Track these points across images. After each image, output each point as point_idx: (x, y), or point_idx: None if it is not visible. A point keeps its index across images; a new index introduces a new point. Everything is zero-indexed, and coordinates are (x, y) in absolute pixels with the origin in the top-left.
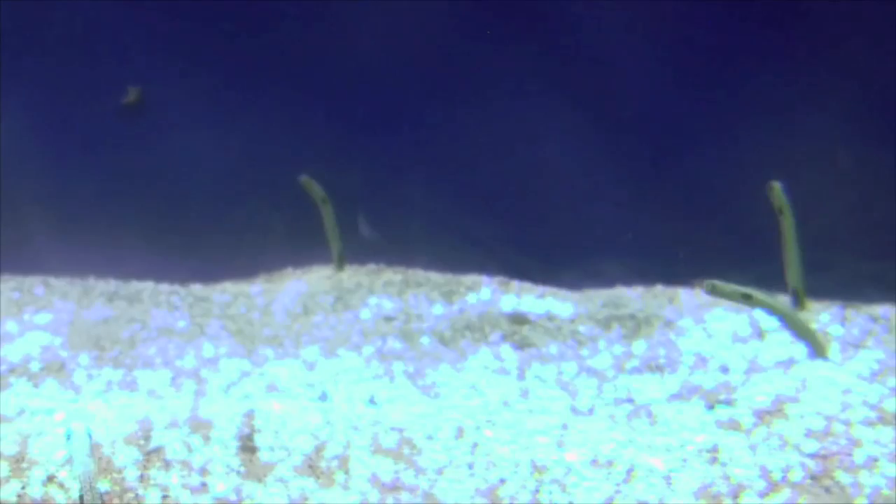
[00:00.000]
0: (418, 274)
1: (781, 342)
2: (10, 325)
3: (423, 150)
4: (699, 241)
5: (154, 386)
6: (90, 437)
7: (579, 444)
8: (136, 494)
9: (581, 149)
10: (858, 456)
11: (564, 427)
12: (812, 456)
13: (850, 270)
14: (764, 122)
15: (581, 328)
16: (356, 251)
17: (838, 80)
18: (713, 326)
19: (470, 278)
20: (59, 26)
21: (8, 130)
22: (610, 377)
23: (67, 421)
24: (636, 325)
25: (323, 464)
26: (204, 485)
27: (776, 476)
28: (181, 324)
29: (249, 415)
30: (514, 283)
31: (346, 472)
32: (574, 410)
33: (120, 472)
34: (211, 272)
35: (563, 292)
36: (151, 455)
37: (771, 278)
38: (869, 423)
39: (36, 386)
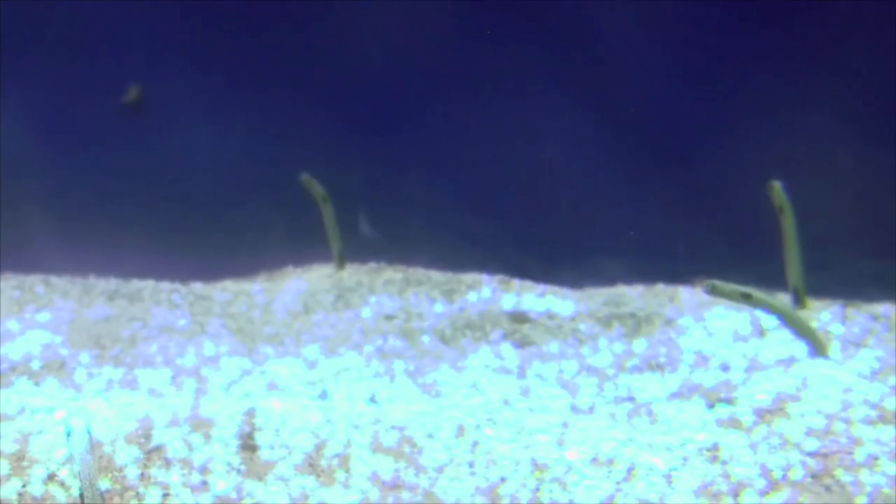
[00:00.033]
0: (419, 272)
1: (782, 340)
2: (11, 324)
3: (423, 148)
4: (700, 240)
5: (155, 384)
6: (90, 433)
7: (580, 442)
8: (137, 493)
9: (581, 148)
10: (859, 454)
11: (565, 425)
12: (813, 454)
13: (850, 269)
14: (764, 121)
15: (582, 326)
16: (357, 250)
17: (838, 80)
18: (714, 325)
19: (470, 277)
20: (59, 25)
21: (8, 130)
22: (610, 375)
23: (68, 419)
24: (637, 323)
25: (323, 462)
26: (204, 483)
27: (777, 474)
28: (182, 322)
29: (250, 413)
30: (515, 282)
31: (347, 471)
32: (574, 409)
33: (120, 470)
34: (212, 270)
35: (563, 291)
36: (152, 453)
37: (772, 277)
38: (869, 421)
39: (37, 384)
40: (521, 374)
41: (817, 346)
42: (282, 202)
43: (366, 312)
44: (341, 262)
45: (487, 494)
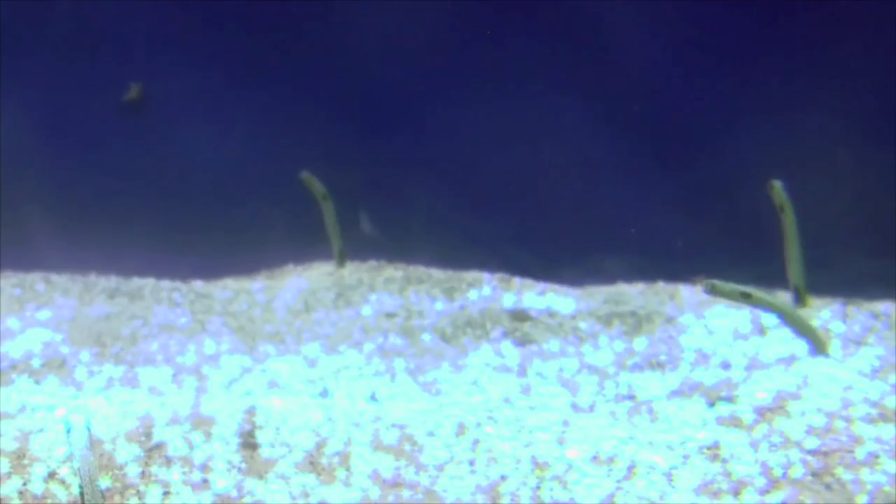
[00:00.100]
0: (419, 270)
1: (782, 339)
2: (12, 322)
3: (424, 146)
4: (701, 239)
5: (155, 382)
6: (89, 429)
7: (580, 440)
8: (138, 491)
9: (582, 146)
10: (860, 453)
11: (565, 424)
12: (813, 453)
13: (851, 267)
14: (765, 120)
15: (582, 325)
16: (357, 248)
17: (838, 80)
18: (714, 323)
19: (471, 275)
20: (59, 23)
21: (8, 129)
22: (611, 374)
23: (68, 417)
24: (637, 321)
25: (324, 460)
26: (205, 481)
27: (777, 473)
28: (182, 320)
29: (251, 411)
30: (516, 280)
31: (348, 469)
32: (575, 407)
33: (121, 468)
34: (212, 269)
35: (564, 289)
36: (153, 451)
37: (773, 276)
38: (870, 419)
39: (37, 382)
40: (522, 372)
41: (818, 345)
42: (282, 200)
43: (366, 310)
44: (342, 260)
45: (488, 493)
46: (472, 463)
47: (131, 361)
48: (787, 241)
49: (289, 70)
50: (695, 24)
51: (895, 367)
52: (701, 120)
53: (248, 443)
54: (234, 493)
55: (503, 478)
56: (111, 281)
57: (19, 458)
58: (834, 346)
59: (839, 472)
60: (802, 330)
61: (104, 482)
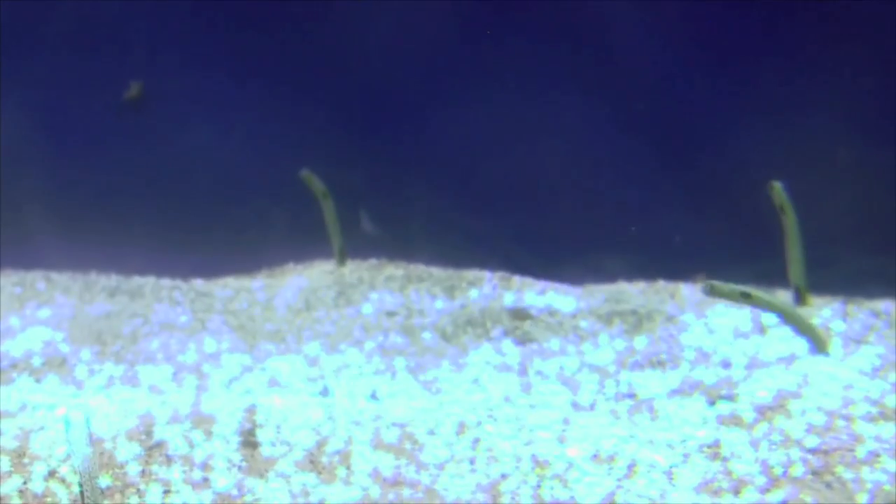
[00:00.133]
0: (420, 269)
1: (783, 338)
2: (12, 320)
3: (424, 145)
4: (701, 237)
5: (156, 381)
6: (89, 426)
7: (581, 439)
8: (138, 489)
9: (582, 145)
10: (860, 451)
11: (566, 422)
12: (813, 451)
13: (851, 266)
14: (766, 119)
15: (582, 323)
16: (358, 246)
17: (838, 80)
18: (715, 322)
19: (471, 273)
20: (59, 21)
21: (8, 127)
22: (611, 372)
23: (68, 415)
24: (638, 320)
25: (324, 459)
26: (206, 480)
27: (777, 471)
28: (183, 319)
29: (251, 410)
30: (516, 279)
31: (348, 468)
32: (575, 406)
33: (121, 467)
34: (213, 267)
35: (564, 287)
36: (153, 450)
37: (774, 273)
38: (870, 418)
39: (38, 381)
40: (522, 370)
41: (818, 344)
42: (282, 199)
43: (367, 309)
44: (342, 258)
45: (488, 491)
46: (472, 461)
47: (132, 360)
48: (787, 242)
49: (289, 69)
50: (696, 23)
51: (895, 365)
52: (702, 119)
53: (249, 441)
54: (234, 492)
55: (504, 476)
56: (112, 279)
57: (20, 457)
58: (834, 345)
59: (839, 470)
60: (803, 329)
61: (104, 481)
